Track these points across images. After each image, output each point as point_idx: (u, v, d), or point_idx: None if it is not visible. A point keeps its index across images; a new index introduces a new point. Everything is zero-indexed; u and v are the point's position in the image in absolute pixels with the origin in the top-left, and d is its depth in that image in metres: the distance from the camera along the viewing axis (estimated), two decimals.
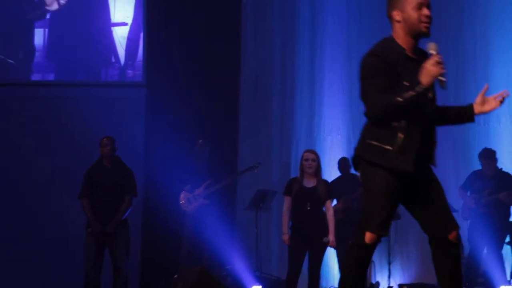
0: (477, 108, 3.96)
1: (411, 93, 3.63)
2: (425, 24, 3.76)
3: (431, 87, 3.71)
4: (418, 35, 3.80)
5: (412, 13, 3.75)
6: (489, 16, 9.90)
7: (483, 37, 9.92)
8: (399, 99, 3.63)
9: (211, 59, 10.20)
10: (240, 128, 10.33)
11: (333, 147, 10.12)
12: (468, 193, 8.62)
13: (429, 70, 3.63)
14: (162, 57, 10.23)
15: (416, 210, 3.93)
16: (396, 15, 3.81)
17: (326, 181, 7.80)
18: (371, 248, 3.85)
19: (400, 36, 3.81)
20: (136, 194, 8.09)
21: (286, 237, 7.66)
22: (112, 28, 10.65)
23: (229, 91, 10.26)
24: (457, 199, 8.66)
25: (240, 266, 9.01)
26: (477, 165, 8.76)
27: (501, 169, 8.62)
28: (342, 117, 10.24)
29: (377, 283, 9.09)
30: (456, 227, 3.85)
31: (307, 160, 7.68)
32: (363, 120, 10.66)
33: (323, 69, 10.38)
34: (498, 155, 8.62)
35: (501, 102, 3.91)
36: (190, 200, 8.70)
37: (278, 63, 10.49)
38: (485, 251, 8.38)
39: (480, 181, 8.52)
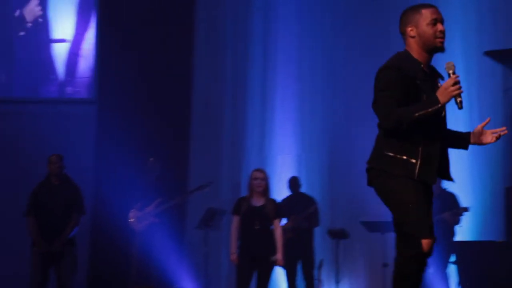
0: (473, 139, 4.10)
1: (428, 109, 3.77)
2: (440, 39, 3.91)
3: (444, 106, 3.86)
4: (433, 50, 3.95)
5: (427, 29, 3.90)
6: None
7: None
8: (415, 114, 3.77)
9: (163, 77, 10.21)
10: (191, 146, 10.32)
11: (283, 166, 10.17)
12: None
13: (448, 90, 3.76)
14: (113, 75, 10.19)
15: None
16: (411, 30, 3.95)
17: (274, 200, 7.81)
18: (429, 255, 3.88)
19: (416, 51, 3.95)
20: (84, 212, 8.02)
21: (234, 256, 7.65)
22: (52, 44, 10.65)
23: (180, 109, 10.25)
24: None
25: (189, 285, 8.97)
26: None
27: (445, 189, 8.73)
28: (293, 136, 10.30)
29: None
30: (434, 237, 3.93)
31: (256, 179, 7.70)
32: (314, 139, 10.77)
33: (275, 88, 10.44)
34: None
35: (497, 138, 4.03)
36: (140, 218, 8.64)
37: (230, 81, 10.52)
38: (431, 270, 8.46)
39: None
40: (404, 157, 3.84)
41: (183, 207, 9.64)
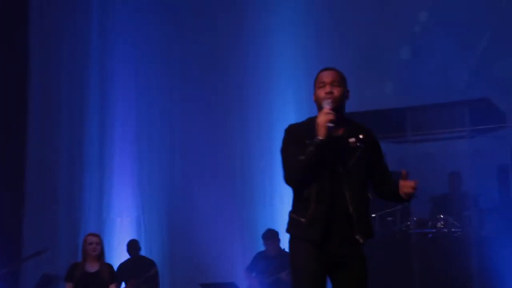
0: (400, 190, 4.06)
1: (310, 148, 3.82)
2: (329, 99, 3.99)
3: (351, 156, 3.91)
4: None
5: (318, 92, 4.04)
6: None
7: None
8: (301, 157, 3.83)
9: None
10: (26, 209, 10.02)
11: (122, 228, 10.07)
12: (254, 274, 8.84)
13: (318, 121, 3.87)
14: None
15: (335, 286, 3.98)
16: (314, 96, 4.11)
17: (109, 265, 7.70)
18: None
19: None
20: None
21: None
22: None
23: (13, 167, 9.96)
24: (242, 280, 8.87)
25: None
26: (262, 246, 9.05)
27: (283, 249, 8.94)
28: (132, 198, 10.25)
29: None
30: None
31: (91, 243, 7.55)
32: (153, 202, 10.73)
33: (113, 149, 10.40)
34: (281, 235, 8.95)
35: (414, 188, 4.03)
36: None
37: (65, 140, 10.38)
38: None
39: (263, 261, 8.79)
40: (296, 216, 3.93)
41: (15, 273, 9.30)
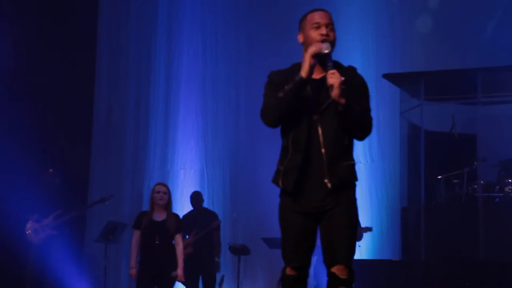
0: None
1: (290, 85, 3.62)
2: (325, 40, 3.74)
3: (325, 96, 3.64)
4: (318, 54, 3.72)
5: (310, 33, 3.78)
6: (338, 60, 10.31)
7: None
8: (280, 94, 3.64)
9: (62, 83, 9.98)
10: (92, 158, 10.17)
11: (185, 180, 10.16)
12: None
13: (308, 51, 3.66)
14: (11, 83, 9.92)
15: (320, 236, 3.82)
16: (300, 37, 3.86)
17: (176, 215, 7.77)
18: (293, 279, 3.75)
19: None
20: None
21: (133, 271, 7.55)
22: None
23: (81, 120, 10.12)
24: None
25: None
26: None
27: None
28: (196, 151, 10.31)
29: None
30: (341, 261, 3.69)
31: (158, 192, 7.63)
32: (216, 154, 10.83)
33: (178, 103, 10.45)
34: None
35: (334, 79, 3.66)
36: (37, 230, 8.44)
37: (133, 93, 10.48)
38: None
39: None
40: (278, 165, 3.78)
41: (82, 219, 9.49)
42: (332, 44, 3.76)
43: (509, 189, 8.37)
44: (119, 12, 10.85)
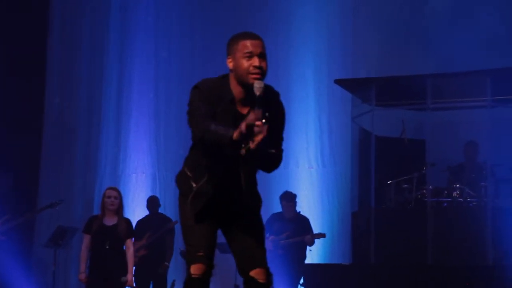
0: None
1: (220, 134, 3.40)
2: (254, 76, 3.52)
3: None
4: (246, 86, 3.53)
5: (241, 63, 3.54)
6: (290, 68, 10.40)
7: (285, 86, 10.39)
8: (211, 126, 3.45)
9: (12, 88, 9.83)
10: (42, 161, 10.05)
11: (137, 185, 10.10)
12: (267, 234, 8.87)
13: (246, 122, 3.33)
14: None
15: (230, 245, 3.80)
16: (229, 62, 3.60)
17: (127, 220, 7.73)
18: (202, 279, 3.66)
19: (233, 83, 3.59)
20: None
21: (82, 276, 7.49)
22: None
23: (31, 122, 9.97)
24: None
25: None
26: (276, 208, 9.06)
27: (299, 212, 8.98)
28: (148, 155, 10.26)
29: None
30: (260, 264, 3.69)
31: (109, 197, 7.58)
32: (169, 159, 10.75)
33: (130, 106, 10.39)
34: (298, 198, 9.00)
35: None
36: None
37: (85, 96, 10.39)
38: None
39: (279, 223, 8.82)
40: (189, 174, 3.67)
41: (31, 224, 9.37)
42: (264, 75, 3.55)
43: (457, 194, 8.51)
44: (71, 8, 10.73)
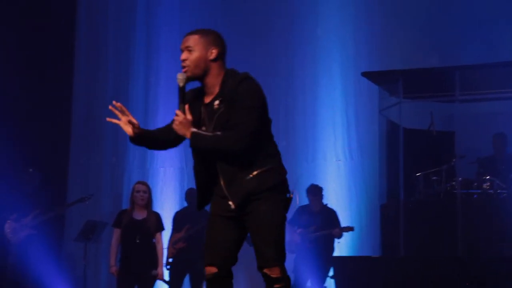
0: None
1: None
2: (183, 69, 3.78)
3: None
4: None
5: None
6: (316, 61, 10.38)
7: (312, 80, 10.38)
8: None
9: (41, 82, 9.92)
10: (71, 157, 10.13)
11: (165, 179, 10.14)
12: (295, 227, 8.88)
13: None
14: None
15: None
16: None
17: (157, 214, 7.78)
18: (211, 281, 3.82)
19: None
20: None
21: (113, 269, 7.56)
22: None
23: (60, 117, 10.04)
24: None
25: None
26: (304, 200, 9.07)
27: (326, 205, 8.97)
28: (175, 149, 10.26)
29: None
30: (269, 264, 3.74)
31: (138, 191, 7.64)
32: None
33: (157, 101, 10.43)
34: (324, 192, 8.99)
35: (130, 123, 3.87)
36: (16, 229, 8.41)
37: (111, 90, 10.44)
38: (308, 284, 8.67)
39: (306, 216, 8.83)
40: None
41: (62, 219, 9.46)
42: (190, 66, 3.74)
43: (487, 185, 8.44)
44: (97, 9, 10.80)
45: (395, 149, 8.79)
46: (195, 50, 3.76)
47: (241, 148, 3.67)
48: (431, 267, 7.72)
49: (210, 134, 3.69)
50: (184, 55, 3.76)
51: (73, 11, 10.57)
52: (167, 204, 9.46)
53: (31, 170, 8.68)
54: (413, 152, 8.82)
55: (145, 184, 7.78)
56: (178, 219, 8.71)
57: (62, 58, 10.21)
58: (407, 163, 8.67)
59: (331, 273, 8.65)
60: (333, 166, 10.14)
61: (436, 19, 9.93)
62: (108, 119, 3.88)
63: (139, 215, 7.63)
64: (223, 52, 3.84)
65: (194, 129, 3.69)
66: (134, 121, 3.87)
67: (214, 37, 3.84)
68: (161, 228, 7.72)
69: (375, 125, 9.68)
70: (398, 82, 8.83)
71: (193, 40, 3.77)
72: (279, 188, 3.78)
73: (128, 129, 3.87)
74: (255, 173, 3.72)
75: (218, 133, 3.68)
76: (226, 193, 3.75)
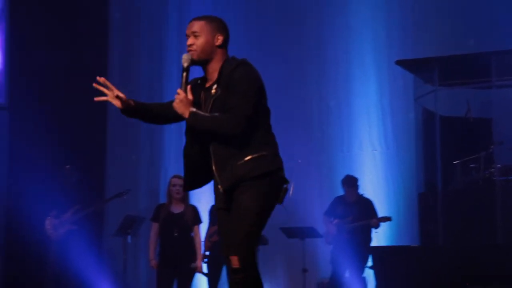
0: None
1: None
2: (190, 53, 3.84)
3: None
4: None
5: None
6: (349, 51, 10.32)
7: (345, 70, 10.34)
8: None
9: (78, 85, 10.02)
10: (108, 153, 10.21)
11: None
12: (332, 218, 8.85)
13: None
14: (24, 79, 9.97)
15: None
16: None
17: (194, 207, 7.83)
18: (233, 269, 3.83)
19: None
20: None
21: (153, 262, 7.64)
22: None
23: (97, 116, 10.13)
24: (321, 224, 8.91)
25: None
26: (340, 191, 9.03)
27: (362, 195, 8.92)
28: None
29: None
30: (227, 251, 3.80)
31: (174, 185, 7.69)
32: None
33: None
34: (359, 182, 8.93)
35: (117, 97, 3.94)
36: (56, 226, 8.51)
37: (146, 87, 10.50)
38: (347, 274, 8.64)
39: (342, 206, 8.79)
40: None
41: (101, 214, 9.55)
42: (197, 50, 3.81)
43: None
44: (129, 10, 10.87)
45: (432, 138, 8.72)
46: (201, 35, 3.83)
47: (236, 131, 3.71)
48: (470, 255, 7.66)
49: (208, 114, 3.76)
50: (190, 40, 3.84)
51: (106, 11, 10.65)
52: (204, 198, 9.48)
53: (68, 166, 8.77)
54: (450, 140, 8.75)
55: (181, 178, 7.79)
56: (214, 212, 8.75)
57: (97, 59, 10.29)
58: (444, 151, 8.60)
59: (369, 263, 8.62)
60: (369, 156, 10.08)
61: (470, 3, 9.81)
62: (96, 98, 3.95)
63: (177, 208, 7.68)
64: (227, 39, 3.90)
65: (193, 109, 3.74)
66: (121, 94, 3.93)
67: (220, 24, 3.90)
68: (198, 221, 7.76)
69: (411, 113, 9.61)
70: (433, 70, 8.75)
71: (199, 26, 3.84)
72: (268, 177, 3.76)
73: (117, 102, 3.94)
74: (246, 159, 3.74)
75: (216, 114, 3.75)
76: (217, 178, 3.80)
